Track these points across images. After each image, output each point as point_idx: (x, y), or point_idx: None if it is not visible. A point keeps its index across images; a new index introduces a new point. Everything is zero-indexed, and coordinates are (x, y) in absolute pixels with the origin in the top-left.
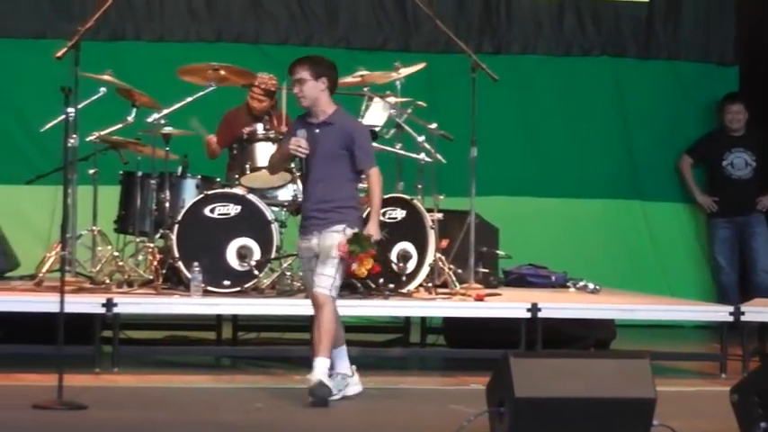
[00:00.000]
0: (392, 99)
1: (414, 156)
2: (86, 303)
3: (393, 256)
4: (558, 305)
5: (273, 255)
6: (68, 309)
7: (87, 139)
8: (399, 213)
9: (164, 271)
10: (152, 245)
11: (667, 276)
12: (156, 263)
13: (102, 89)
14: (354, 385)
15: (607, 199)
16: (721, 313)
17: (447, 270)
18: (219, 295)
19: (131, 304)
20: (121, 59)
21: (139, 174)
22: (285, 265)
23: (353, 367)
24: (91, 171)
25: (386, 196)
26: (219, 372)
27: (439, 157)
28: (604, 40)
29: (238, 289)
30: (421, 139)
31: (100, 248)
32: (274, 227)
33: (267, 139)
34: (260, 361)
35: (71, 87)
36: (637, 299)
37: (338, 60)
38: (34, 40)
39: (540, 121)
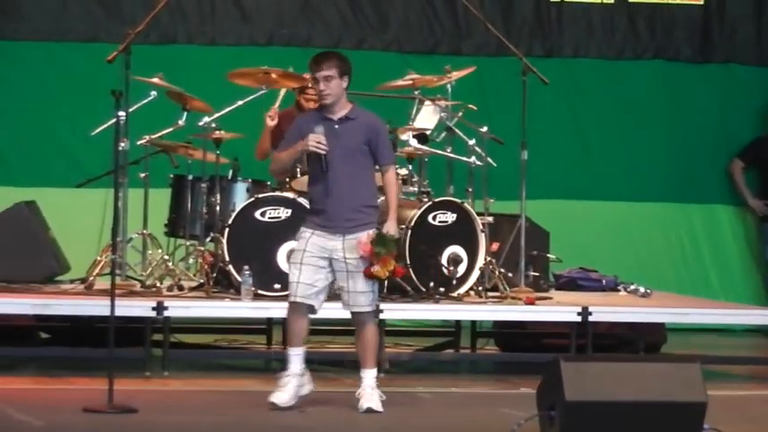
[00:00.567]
0: (443, 102)
1: (464, 159)
2: (137, 307)
3: (444, 259)
4: (609, 309)
5: None
6: (119, 312)
7: (138, 143)
8: (450, 217)
9: (214, 274)
10: (202, 248)
11: (718, 280)
12: (206, 266)
13: (153, 93)
14: (308, 384)
15: (658, 202)
16: None
17: (497, 274)
18: (270, 299)
19: (182, 308)
20: (172, 63)
21: (190, 177)
22: None
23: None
24: (141, 174)
25: (437, 199)
26: (270, 375)
27: (489, 160)
28: (658, 43)
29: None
30: (471, 142)
31: (150, 252)
32: None
33: None
34: (311, 365)
35: (122, 91)
36: (687, 302)
37: (389, 63)
38: (86, 43)
39: (592, 124)
